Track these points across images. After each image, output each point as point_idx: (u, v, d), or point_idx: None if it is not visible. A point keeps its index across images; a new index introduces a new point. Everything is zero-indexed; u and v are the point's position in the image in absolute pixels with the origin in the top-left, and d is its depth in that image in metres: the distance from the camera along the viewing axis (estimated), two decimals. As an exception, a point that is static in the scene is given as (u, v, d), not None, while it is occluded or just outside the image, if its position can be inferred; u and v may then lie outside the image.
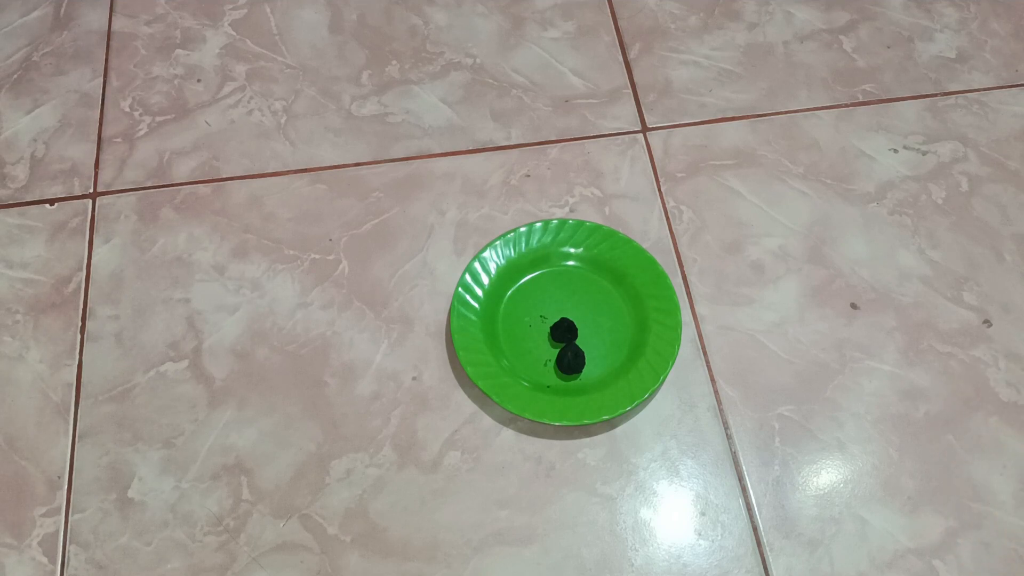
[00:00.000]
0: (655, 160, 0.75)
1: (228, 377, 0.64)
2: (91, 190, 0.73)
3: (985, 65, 0.82)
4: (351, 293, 0.68)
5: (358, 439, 0.62)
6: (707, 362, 0.66)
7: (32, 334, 0.66)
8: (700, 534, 0.60)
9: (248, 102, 0.78)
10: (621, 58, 0.82)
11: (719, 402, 0.64)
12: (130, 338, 0.66)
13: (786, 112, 0.79)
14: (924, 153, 0.77)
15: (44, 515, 0.59)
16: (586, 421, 0.60)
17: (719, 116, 0.78)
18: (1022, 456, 0.63)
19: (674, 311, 0.65)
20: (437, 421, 0.63)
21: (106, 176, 0.73)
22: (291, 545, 0.58)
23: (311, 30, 0.83)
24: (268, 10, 0.84)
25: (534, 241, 0.68)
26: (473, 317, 0.65)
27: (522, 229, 0.68)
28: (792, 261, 0.70)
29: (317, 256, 0.70)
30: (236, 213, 0.72)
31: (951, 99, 0.80)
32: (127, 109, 0.77)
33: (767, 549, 0.59)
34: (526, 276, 0.68)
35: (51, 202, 0.72)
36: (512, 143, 0.76)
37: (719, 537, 0.59)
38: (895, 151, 0.77)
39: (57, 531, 0.59)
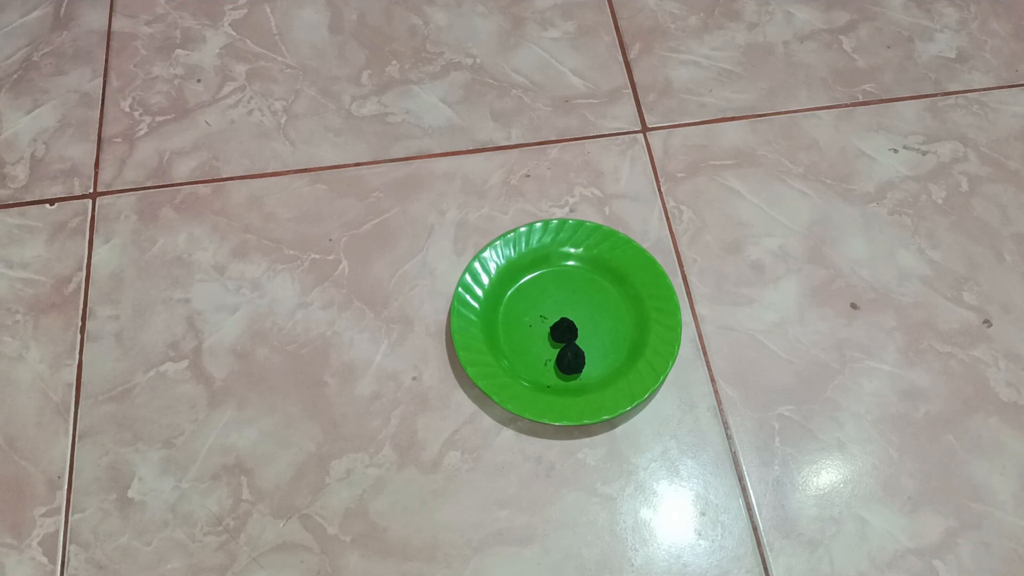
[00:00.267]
0: (655, 160, 0.75)
1: (228, 377, 0.64)
2: (91, 190, 0.73)
3: (985, 65, 0.82)
4: (351, 293, 0.68)
5: (358, 439, 0.62)
6: (707, 362, 0.66)
7: (32, 334, 0.66)
8: (700, 534, 0.60)
9: (248, 102, 0.78)
10: (621, 58, 0.82)
11: (719, 402, 0.64)
12: (130, 338, 0.66)
13: (786, 112, 0.79)
14: (924, 153, 0.77)
15: (44, 515, 0.59)
16: (586, 421, 0.60)
17: (719, 116, 0.78)
18: (1022, 456, 0.63)
19: (674, 311, 0.65)
20: (437, 421, 0.63)
21: (106, 176, 0.73)
22: (291, 545, 0.58)
23: (311, 30, 0.83)
24: (268, 10, 0.84)
25: (534, 241, 0.68)
26: (473, 317, 0.65)
27: (522, 229, 0.68)
28: (792, 261, 0.70)
29: (317, 256, 0.70)
30: (236, 213, 0.72)
31: (951, 99, 0.80)
32: (127, 109, 0.77)
33: (767, 549, 0.59)
34: (526, 276, 0.68)
35: (51, 202, 0.72)
36: (512, 143, 0.76)
37: (719, 537, 0.59)
38: (895, 151, 0.77)
39: (57, 531, 0.59)
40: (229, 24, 0.83)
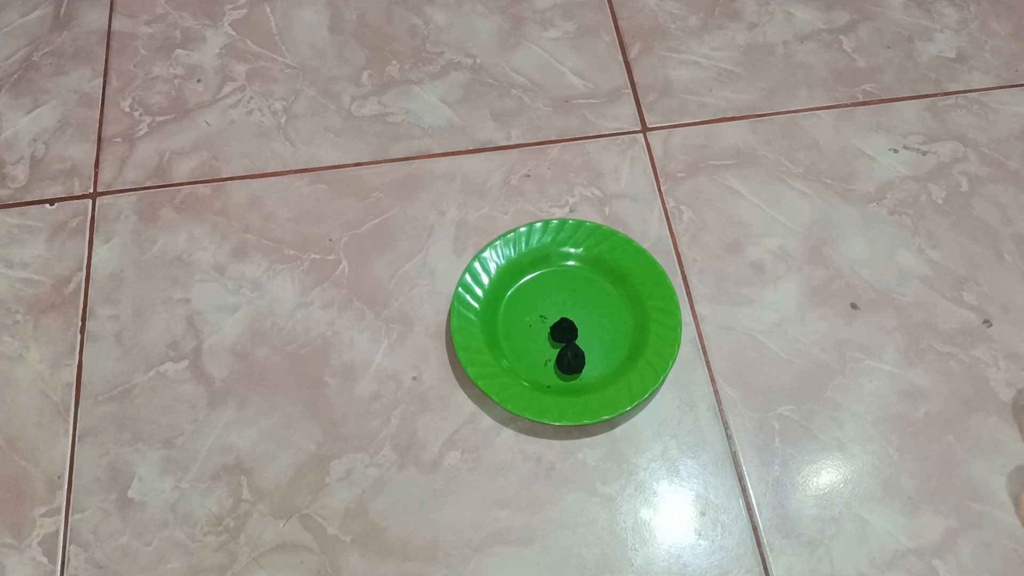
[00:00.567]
0: (655, 160, 0.75)
1: (228, 377, 0.64)
2: (91, 190, 0.73)
3: (985, 65, 0.82)
4: (351, 293, 0.68)
5: (358, 439, 0.62)
6: (707, 362, 0.66)
7: (32, 334, 0.66)
8: (700, 534, 0.60)
9: (248, 102, 0.78)
10: (621, 58, 0.82)
11: (719, 402, 0.64)
12: (130, 338, 0.66)
13: (786, 112, 0.79)
14: (924, 153, 0.77)
15: (44, 515, 0.59)
16: (586, 421, 0.60)
17: (719, 116, 0.78)
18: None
19: (674, 311, 0.65)
20: (437, 421, 0.63)
21: (106, 176, 0.73)
22: (291, 545, 0.58)
23: (311, 30, 0.83)
24: (268, 10, 0.84)
25: (534, 241, 0.68)
26: (473, 317, 0.65)
27: (522, 229, 0.68)
28: (792, 261, 0.70)
29: (317, 256, 0.70)
30: (236, 213, 0.72)
31: (951, 99, 0.80)
32: (127, 109, 0.77)
33: (767, 549, 0.59)
34: (526, 276, 0.68)
35: (51, 202, 0.72)
36: (512, 143, 0.76)
37: (719, 537, 0.59)
38: (895, 151, 0.77)
39: (57, 531, 0.59)
40: (229, 24, 0.83)
